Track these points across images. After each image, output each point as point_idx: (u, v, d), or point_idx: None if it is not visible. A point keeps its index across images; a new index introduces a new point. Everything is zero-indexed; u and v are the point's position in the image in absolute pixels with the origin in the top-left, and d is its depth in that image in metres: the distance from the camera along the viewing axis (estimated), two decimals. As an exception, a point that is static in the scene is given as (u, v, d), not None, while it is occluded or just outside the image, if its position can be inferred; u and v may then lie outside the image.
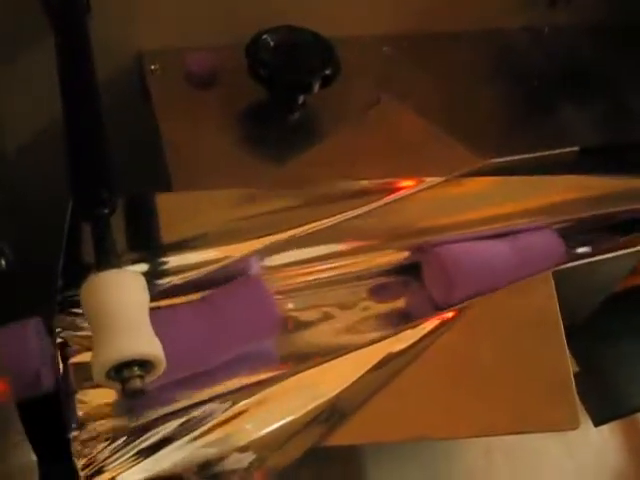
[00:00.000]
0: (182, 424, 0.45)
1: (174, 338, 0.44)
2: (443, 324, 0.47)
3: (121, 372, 0.37)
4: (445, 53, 0.70)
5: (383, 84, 0.64)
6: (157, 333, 0.39)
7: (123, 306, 0.39)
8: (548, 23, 0.75)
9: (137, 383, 0.38)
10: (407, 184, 0.52)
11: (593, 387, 0.53)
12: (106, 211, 0.44)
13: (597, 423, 0.55)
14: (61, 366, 0.45)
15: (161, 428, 0.45)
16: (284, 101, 0.60)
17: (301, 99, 0.59)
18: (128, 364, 0.37)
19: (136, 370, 0.38)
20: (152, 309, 0.40)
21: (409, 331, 0.46)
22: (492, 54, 0.72)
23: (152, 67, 0.61)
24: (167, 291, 0.49)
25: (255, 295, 0.49)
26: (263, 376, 0.46)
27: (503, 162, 0.56)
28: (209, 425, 0.45)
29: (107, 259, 0.41)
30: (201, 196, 0.53)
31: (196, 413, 0.46)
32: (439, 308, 0.51)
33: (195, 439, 0.45)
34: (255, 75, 0.56)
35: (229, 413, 0.46)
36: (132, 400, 0.42)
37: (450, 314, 0.48)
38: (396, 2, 0.68)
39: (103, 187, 0.44)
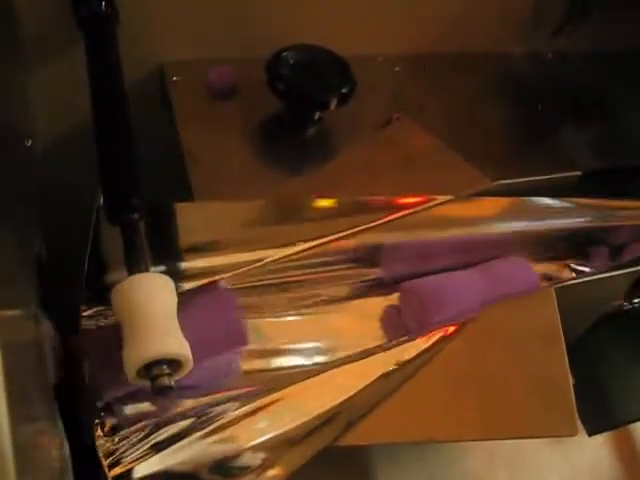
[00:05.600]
0: (196, 421, 0.47)
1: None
2: (450, 335, 0.50)
3: (150, 370, 0.39)
4: (453, 75, 0.73)
5: (394, 103, 0.67)
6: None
7: (153, 308, 0.41)
8: (551, 49, 0.78)
9: (166, 381, 0.40)
10: (417, 201, 0.54)
11: (588, 399, 0.55)
12: (136, 216, 0.46)
13: (591, 433, 0.58)
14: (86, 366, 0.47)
15: (175, 425, 0.47)
16: (301, 116, 0.62)
17: (317, 115, 0.62)
18: (157, 363, 0.39)
19: (165, 368, 0.40)
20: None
21: (418, 340, 0.49)
22: (498, 77, 0.75)
23: (174, 78, 0.63)
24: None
25: (219, 308, 0.50)
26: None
27: (509, 184, 0.58)
28: (222, 422, 0.47)
29: (137, 263, 0.43)
30: (218, 207, 0.55)
31: (210, 411, 0.48)
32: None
33: (207, 436, 0.47)
34: (274, 90, 0.59)
35: (241, 412, 0.48)
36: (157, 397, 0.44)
37: (455, 326, 0.50)
38: (408, 24, 0.71)
39: (132, 193, 0.47)
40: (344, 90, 0.59)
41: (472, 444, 0.57)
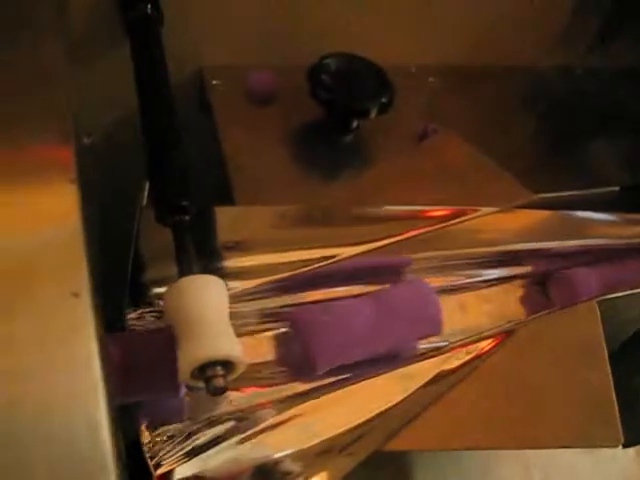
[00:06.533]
0: (236, 425, 0.47)
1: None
2: (492, 347, 0.50)
3: (205, 371, 0.40)
4: (486, 86, 0.73)
5: (428, 113, 0.67)
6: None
7: (207, 309, 0.41)
8: (583, 64, 0.78)
9: (220, 382, 0.40)
10: (458, 212, 0.55)
11: (623, 411, 0.56)
12: (187, 218, 0.46)
13: (625, 445, 0.58)
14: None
15: (217, 428, 0.47)
16: (340, 124, 0.63)
17: (355, 123, 0.62)
18: (212, 364, 0.40)
19: (219, 370, 0.40)
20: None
21: (462, 349, 0.49)
22: (530, 90, 0.76)
23: (214, 82, 0.64)
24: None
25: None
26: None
27: (550, 197, 0.59)
28: (262, 427, 0.48)
29: (189, 264, 0.43)
30: (258, 211, 0.55)
31: (251, 415, 0.48)
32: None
33: (245, 441, 0.47)
34: (316, 97, 0.59)
35: (281, 419, 0.48)
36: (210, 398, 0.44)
37: (497, 339, 0.51)
38: (442, 36, 0.72)
39: (184, 194, 0.47)
40: (384, 99, 0.59)
41: (508, 452, 0.57)
